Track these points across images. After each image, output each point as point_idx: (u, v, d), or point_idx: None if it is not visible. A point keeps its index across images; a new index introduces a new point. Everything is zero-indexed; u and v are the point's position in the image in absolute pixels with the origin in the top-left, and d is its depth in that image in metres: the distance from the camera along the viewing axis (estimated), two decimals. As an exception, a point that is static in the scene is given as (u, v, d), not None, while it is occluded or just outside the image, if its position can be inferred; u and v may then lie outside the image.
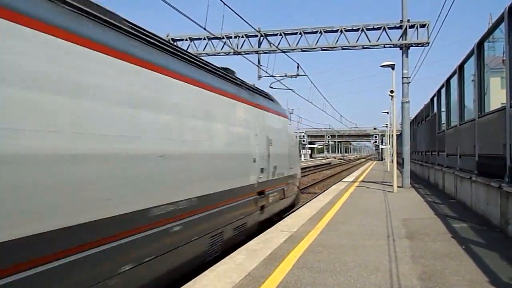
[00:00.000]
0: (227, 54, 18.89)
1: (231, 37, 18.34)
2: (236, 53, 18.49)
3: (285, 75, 20.15)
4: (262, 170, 8.77)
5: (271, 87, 20.61)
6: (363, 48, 17.66)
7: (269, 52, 18.52)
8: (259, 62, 19.02)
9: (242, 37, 18.44)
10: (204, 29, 11.52)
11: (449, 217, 9.25)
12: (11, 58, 2.84)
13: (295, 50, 18.20)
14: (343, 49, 17.95)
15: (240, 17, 10.98)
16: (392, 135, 20.42)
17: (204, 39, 18.98)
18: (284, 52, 17.79)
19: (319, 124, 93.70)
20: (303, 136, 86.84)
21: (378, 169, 35.63)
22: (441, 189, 15.56)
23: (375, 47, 17.47)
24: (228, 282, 4.60)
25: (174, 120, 5.15)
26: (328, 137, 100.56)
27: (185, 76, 5.57)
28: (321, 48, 17.91)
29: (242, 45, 18.54)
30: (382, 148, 70.40)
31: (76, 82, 3.45)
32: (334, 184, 21.29)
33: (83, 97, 3.53)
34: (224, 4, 9.70)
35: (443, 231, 7.69)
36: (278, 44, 18.10)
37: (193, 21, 10.34)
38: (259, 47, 18.48)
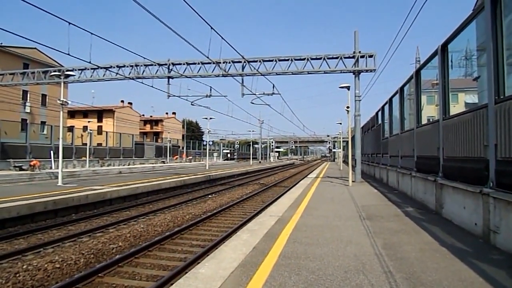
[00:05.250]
0: (217, 76, 19.05)
1: (220, 62, 18.53)
2: (224, 75, 18.68)
3: (263, 93, 20.50)
4: None
5: (252, 103, 20.94)
6: (325, 73, 18.22)
7: (251, 75, 18.79)
8: (242, 82, 19.24)
9: (229, 62, 18.66)
10: (204, 55, 11.65)
11: (396, 203, 9.71)
12: None
13: (271, 74, 18.55)
14: (309, 73, 18.44)
15: (234, 48, 11.26)
16: (348, 141, 21.03)
17: (198, 63, 19.09)
18: (262, 75, 18.13)
19: (285, 132, 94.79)
20: (272, 142, 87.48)
21: (333, 168, 36.42)
22: (385, 183, 16.22)
23: (334, 72, 18.07)
24: (240, 253, 4.83)
25: None
26: (292, 142, 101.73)
27: None
28: (292, 72, 18.35)
29: (229, 69, 18.76)
30: (334, 151, 71.90)
31: None
32: (301, 179, 21.70)
33: None
34: (222, 38, 9.95)
35: (394, 213, 8.11)
36: (258, 68, 18.44)
37: (192, 45, 10.54)
38: (242, 70, 18.73)
